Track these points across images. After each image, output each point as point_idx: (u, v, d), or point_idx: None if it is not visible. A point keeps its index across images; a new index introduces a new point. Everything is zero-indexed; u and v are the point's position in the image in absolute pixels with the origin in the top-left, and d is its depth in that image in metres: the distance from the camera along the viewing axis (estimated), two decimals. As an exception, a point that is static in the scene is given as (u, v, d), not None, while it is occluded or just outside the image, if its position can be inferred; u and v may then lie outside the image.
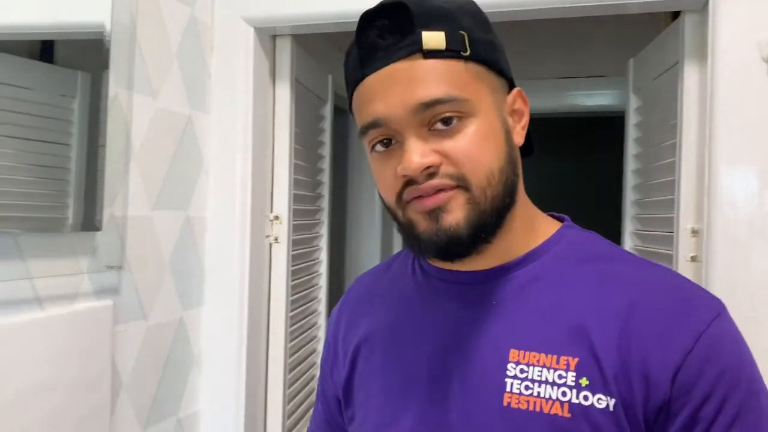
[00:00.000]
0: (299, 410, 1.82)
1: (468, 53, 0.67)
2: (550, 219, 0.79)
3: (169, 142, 1.30)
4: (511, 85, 0.74)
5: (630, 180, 1.73)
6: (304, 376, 1.89)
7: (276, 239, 1.60)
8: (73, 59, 1.03)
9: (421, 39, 0.66)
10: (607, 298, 0.67)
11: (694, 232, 1.31)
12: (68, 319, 1.00)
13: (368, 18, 0.69)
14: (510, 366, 0.68)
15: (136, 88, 1.18)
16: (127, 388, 1.16)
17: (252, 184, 1.49)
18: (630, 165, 1.73)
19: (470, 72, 0.68)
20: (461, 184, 0.66)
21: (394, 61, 0.67)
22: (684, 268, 1.32)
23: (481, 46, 0.69)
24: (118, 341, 1.13)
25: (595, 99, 2.50)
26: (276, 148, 1.61)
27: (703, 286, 1.25)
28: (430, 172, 0.66)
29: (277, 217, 1.60)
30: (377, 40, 0.68)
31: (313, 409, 1.00)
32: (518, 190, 0.73)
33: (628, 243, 1.70)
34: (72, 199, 1.02)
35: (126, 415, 1.16)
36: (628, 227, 1.71)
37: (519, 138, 0.72)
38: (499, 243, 0.72)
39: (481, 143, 0.67)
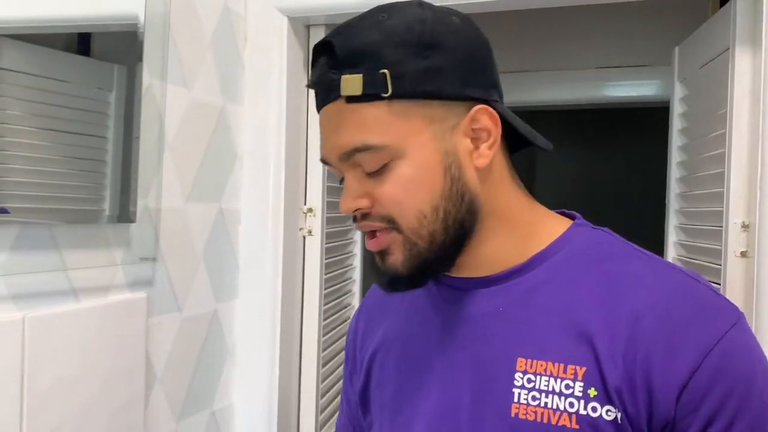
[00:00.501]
0: (332, 405, 1.81)
1: (390, 93, 0.64)
2: (558, 218, 0.75)
3: (203, 133, 1.29)
4: (482, 100, 0.68)
5: (675, 172, 1.66)
6: (338, 371, 1.88)
7: (309, 232, 1.58)
8: (109, 52, 1.03)
9: (341, 83, 0.65)
10: (615, 304, 0.65)
11: (745, 227, 1.25)
12: (103, 311, 1.00)
13: (313, 53, 0.69)
14: (517, 375, 0.66)
15: (169, 79, 1.17)
16: (161, 381, 1.16)
17: (285, 176, 1.48)
18: (675, 157, 1.67)
19: (394, 112, 0.64)
20: (393, 226, 0.66)
21: (328, 103, 0.67)
22: (733, 264, 1.26)
23: (411, 78, 0.64)
24: (152, 333, 1.13)
25: (636, 89, 2.43)
26: (309, 140, 1.59)
27: (754, 283, 1.20)
28: (363, 213, 0.67)
29: (310, 210, 1.58)
30: (317, 79, 0.68)
31: (338, 410, 0.99)
32: (487, 208, 0.69)
33: (673, 237, 1.64)
34: (107, 190, 1.01)
35: (160, 408, 1.16)
36: (673, 221, 1.65)
37: (483, 159, 0.68)
38: (492, 252, 0.71)
39: (407, 186, 0.65)
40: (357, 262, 2.04)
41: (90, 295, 0.99)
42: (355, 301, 2.06)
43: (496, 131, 0.68)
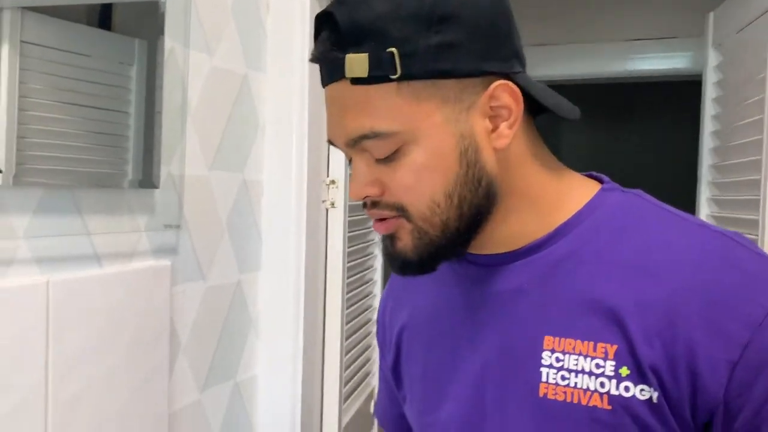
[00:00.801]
0: (356, 377, 1.80)
1: (398, 74, 0.58)
2: (586, 183, 0.70)
3: (225, 101, 1.27)
4: (502, 74, 0.62)
5: (707, 142, 1.62)
6: (361, 344, 1.87)
7: (332, 204, 1.56)
8: (130, 26, 1.01)
9: (345, 64, 0.59)
10: (648, 277, 0.60)
11: (784, 195, 1.21)
12: (127, 278, 0.99)
13: (316, 24, 0.63)
14: (545, 354, 0.63)
15: (192, 45, 1.15)
16: (185, 350, 1.15)
17: (308, 147, 1.45)
18: (708, 127, 1.62)
19: (404, 94, 0.59)
20: (403, 214, 0.62)
21: (332, 82, 0.62)
22: (771, 234, 1.22)
23: (422, 57, 0.58)
24: (177, 302, 1.12)
25: (663, 62, 2.36)
26: (332, 111, 1.57)
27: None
28: (373, 200, 0.63)
29: (333, 182, 1.56)
30: (319, 55, 0.62)
31: (378, 381, 0.98)
32: (507, 188, 0.65)
33: (705, 210, 1.60)
34: (129, 160, 1.00)
35: (184, 377, 1.15)
36: (705, 193, 1.61)
37: (503, 140, 0.62)
38: (513, 230, 0.67)
39: (419, 174, 0.61)
40: (379, 236, 2.01)
41: (113, 260, 0.98)
42: (377, 276, 2.05)
43: (518, 109, 0.62)
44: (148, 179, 1.03)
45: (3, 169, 0.78)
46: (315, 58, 0.64)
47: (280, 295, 1.43)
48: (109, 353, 0.94)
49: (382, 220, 0.65)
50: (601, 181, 0.70)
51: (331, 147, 1.57)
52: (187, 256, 1.15)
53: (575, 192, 0.68)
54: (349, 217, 1.63)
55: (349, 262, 1.66)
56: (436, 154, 0.61)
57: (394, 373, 0.83)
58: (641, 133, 4.13)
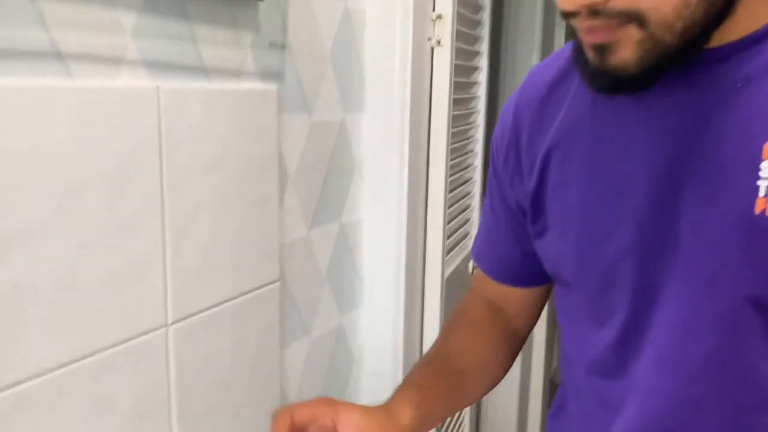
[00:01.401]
0: (456, 234, 1.75)
1: None
2: None
3: None
4: None
5: None
6: (459, 203, 1.80)
7: (438, 42, 1.44)
8: None
9: None
10: None
11: None
12: (235, 96, 0.93)
13: None
14: (764, 165, 0.52)
15: None
16: (293, 183, 1.11)
17: (413, -25, 1.32)
18: None
19: None
20: (635, 20, 0.49)
21: None
22: None
23: None
24: (284, 132, 1.06)
25: None
26: (440, -65, 1.41)
27: None
28: (594, 8, 0.49)
29: (440, 17, 1.43)
30: None
31: (483, 206, 0.90)
32: None
33: None
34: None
35: (293, 209, 1.11)
36: None
37: None
38: (740, 14, 0.53)
39: None
40: (482, 91, 1.89)
41: (221, 76, 0.91)
42: (479, 134, 1.94)
43: None
44: (251, -11, 0.94)
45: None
46: None
47: (384, 138, 1.35)
48: (220, 172, 0.90)
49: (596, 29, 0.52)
50: None
51: (438, -23, 1.43)
52: (292, 84, 1.08)
53: None
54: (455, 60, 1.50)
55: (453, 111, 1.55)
56: None
57: (534, 201, 0.73)
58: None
